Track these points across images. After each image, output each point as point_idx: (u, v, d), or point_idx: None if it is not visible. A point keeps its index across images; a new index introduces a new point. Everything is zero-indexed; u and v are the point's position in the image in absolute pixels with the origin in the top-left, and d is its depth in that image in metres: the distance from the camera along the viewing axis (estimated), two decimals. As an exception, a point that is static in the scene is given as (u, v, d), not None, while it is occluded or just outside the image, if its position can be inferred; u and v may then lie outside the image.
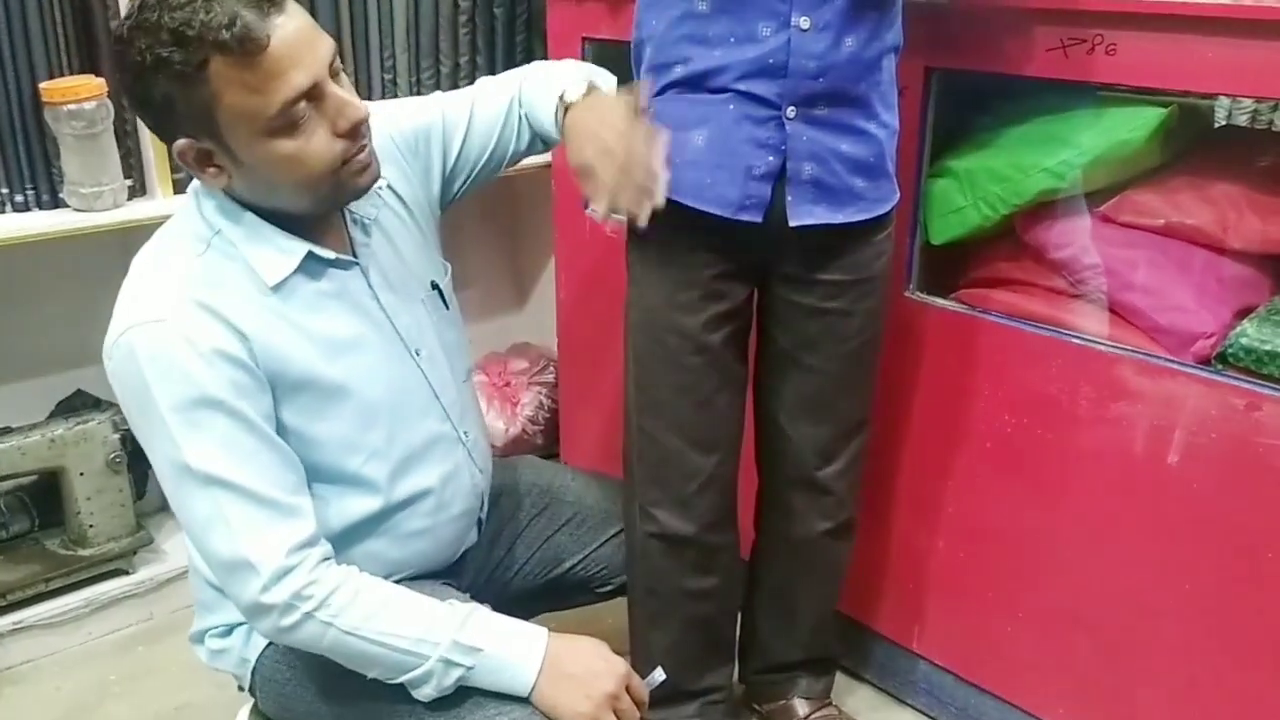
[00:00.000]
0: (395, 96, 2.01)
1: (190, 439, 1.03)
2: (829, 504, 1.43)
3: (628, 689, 1.12)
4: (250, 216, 1.09)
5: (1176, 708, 1.36)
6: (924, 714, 1.68)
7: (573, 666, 1.10)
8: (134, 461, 1.87)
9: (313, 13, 1.69)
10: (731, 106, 1.18)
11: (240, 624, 1.24)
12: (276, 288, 1.09)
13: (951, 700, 1.63)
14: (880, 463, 1.55)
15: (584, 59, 1.84)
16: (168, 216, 1.66)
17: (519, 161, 1.38)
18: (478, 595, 1.22)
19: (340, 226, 1.17)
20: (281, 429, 1.09)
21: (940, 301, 1.50)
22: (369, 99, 1.08)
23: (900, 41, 1.23)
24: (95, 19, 1.70)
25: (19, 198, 1.72)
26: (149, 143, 1.76)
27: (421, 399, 1.22)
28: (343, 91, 1.04)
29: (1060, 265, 1.42)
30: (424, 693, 1.09)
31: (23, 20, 1.64)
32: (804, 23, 1.13)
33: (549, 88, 1.27)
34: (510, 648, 1.10)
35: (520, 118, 1.32)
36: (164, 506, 2.08)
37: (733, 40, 1.15)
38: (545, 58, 1.98)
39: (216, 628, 1.26)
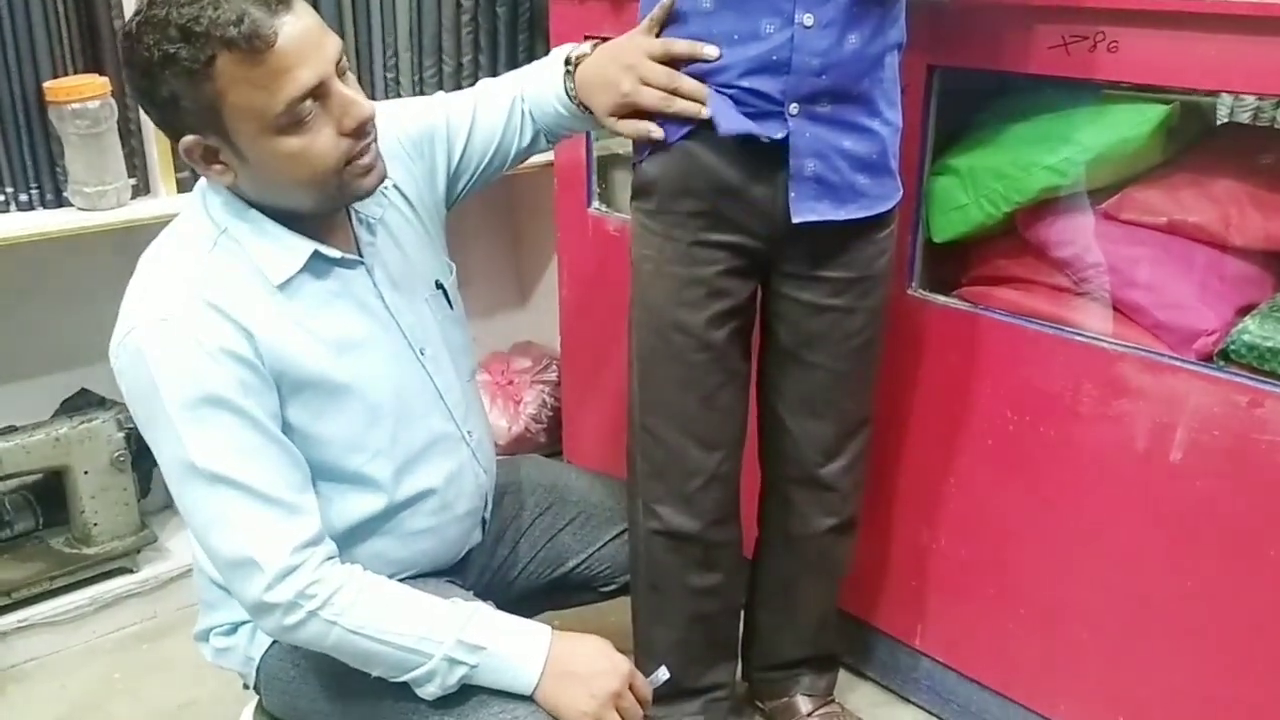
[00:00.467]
0: (398, 96, 2.02)
1: (196, 437, 1.03)
2: (832, 501, 1.43)
3: (631, 688, 1.13)
4: (256, 215, 1.09)
5: (1178, 705, 1.36)
6: (926, 711, 1.68)
7: (576, 665, 1.11)
8: (138, 460, 1.87)
9: (316, 12, 1.69)
10: (735, 103, 1.18)
11: (245, 622, 1.24)
12: (282, 286, 1.09)
13: (954, 697, 1.63)
14: (882, 460, 1.55)
15: (586, 58, 1.85)
16: (172, 215, 1.66)
17: (523, 161, 1.38)
18: (481, 594, 1.23)
19: (346, 225, 1.17)
20: (286, 427, 1.10)
21: (942, 299, 1.50)
22: (372, 99, 1.08)
23: (904, 38, 1.23)
24: (99, 18, 1.70)
25: (23, 197, 1.72)
26: (153, 142, 1.77)
27: (426, 398, 1.23)
28: (349, 90, 1.04)
29: (1062, 263, 1.42)
30: (428, 691, 1.09)
31: (27, 19, 1.64)
32: (808, 19, 1.13)
33: (549, 63, 1.29)
34: (514, 646, 1.10)
35: (523, 114, 1.33)
36: (168, 505, 2.08)
37: (736, 37, 1.16)
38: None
39: (221, 626, 1.26)
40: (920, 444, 1.56)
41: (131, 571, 1.90)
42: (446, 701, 1.10)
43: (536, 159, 2.13)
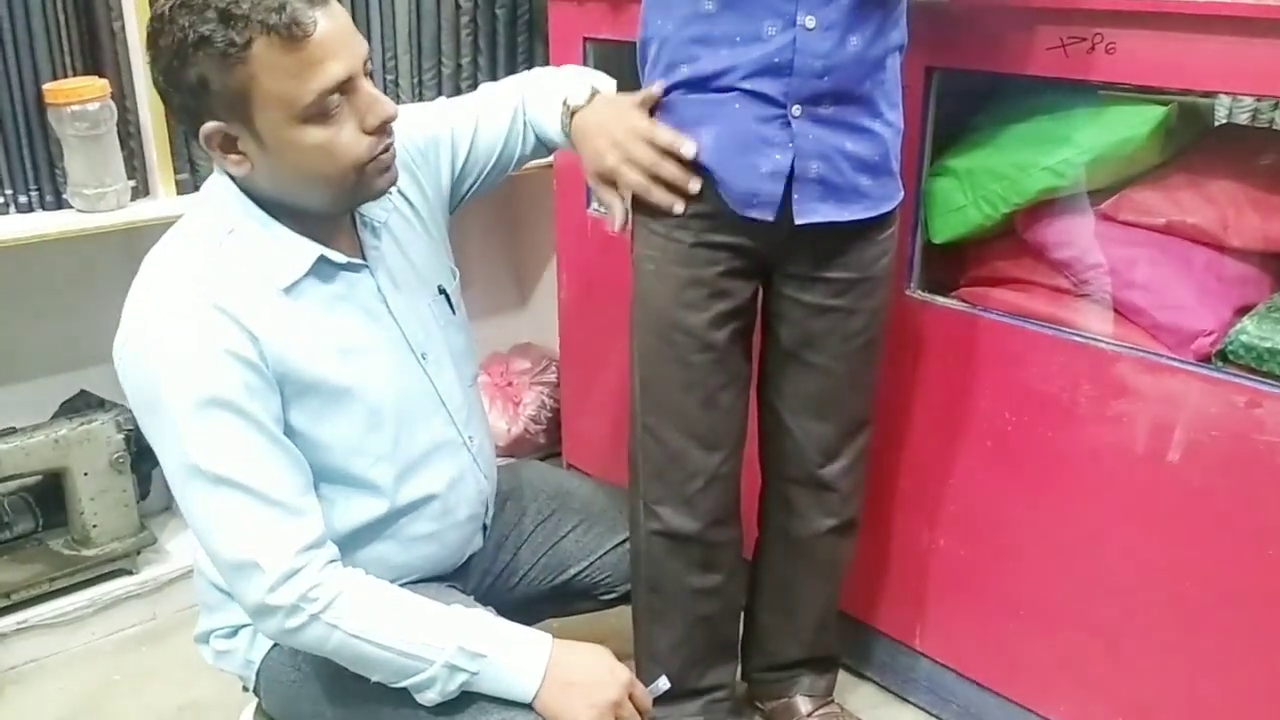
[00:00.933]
0: (397, 97, 2.02)
1: (200, 438, 1.03)
2: (832, 502, 1.43)
3: (630, 697, 1.13)
4: (264, 216, 1.10)
5: (1178, 705, 1.36)
6: (926, 712, 1.69)
7: (576, 674, 1.11)
8: (137, 462, 1.87)
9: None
10: (737, 106, 1.18)
11: (245, 625, 1.24)
12: (288, 289, 1.09)
13: (953, 698, 1.63)
14: (882, 461, 1.55)
15: (585, 60, 1.85)
16: (171, 217, 1.66)
17: (524, 165, 1.39)
18: (482, 599, 1.23)
19: (351, 229, 1.18)
20: (289, 431, 1.10)
21: (941, 300, 1.50)
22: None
23: (905, 41, 1.23)
24: (99, 20, 1.70)
25: (23, 199, 1.72)
26: (152, 144, 1.77)
27: (427, 403, 1.23)
28: (374, 90, 1.06)
29: (1061, 264, 1.42)
30: (427, 697, 1.09)
31: (26, 21, 1.64)
32: (809, 22, 1.14)
33: (552, 96, 1.31)
34: (514, 654, 1.10)
35: (525, 124, 1.35)
36: (167, 507, 2.08)
37: (739, 40, 1.16)
38: (547, 59, 1.99)
39: (221, 629, 1.26)
40: (920, 445, 1.56)
41: (131, 573, 1.90)
42: (446, 708, 1.10)
43: (536, 160, 2.14)
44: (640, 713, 1.14)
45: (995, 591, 1.52)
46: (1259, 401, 1.22)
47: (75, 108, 1.63)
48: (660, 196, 1.22)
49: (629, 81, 1.33)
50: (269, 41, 0.98)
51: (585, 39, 1.85)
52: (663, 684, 1.19)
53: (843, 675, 1.68)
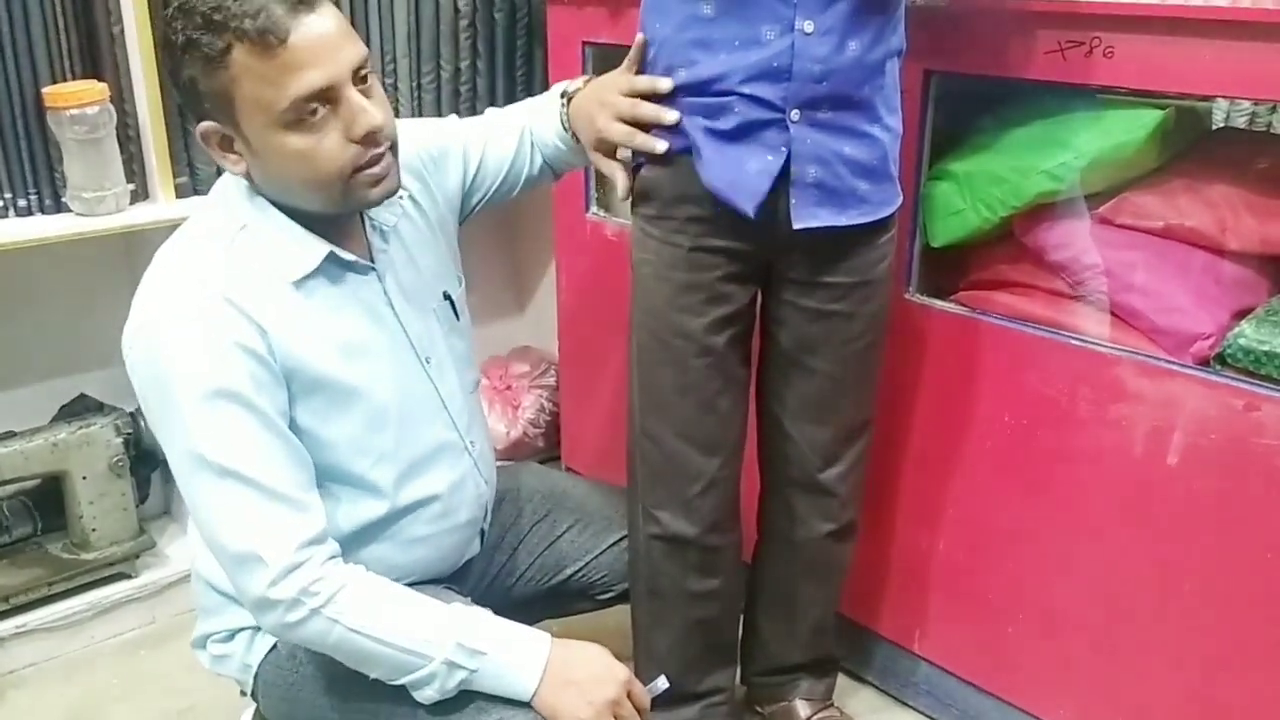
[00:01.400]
0: (396, 101, 2.02)
1: (206, 429, 1.04)
2: (831, 506, 1.43)
3: (629, 695, 1.13)
4: (276, 213, 1.11)
5: (1177, 708, 1.36)
6: (926, 716, 1.68)
7: (574, 672, 1.11)
8: (136, 465, 1.87)
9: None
10: (736, 110, 1.18)
11: (243, 629, 1.24)
12: (298, 284, 1.10)
13: (953, 702, 1.63)
14: (881, 464, 1.55)
15: (584, 63, 1.85)
16: (170, 220, 1.67)
17: (531, 189, 1.42)
18: (479, 601, 1.23)
19: (360, 231, 1.19)
20: (295, 429, 1.11)
21: (940, 304, 1.51)
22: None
23: (903, 45, 1.23)
24: (98, 23, 1.70)
25: (22, 202, 1.72)
26: (151, 147, 1.77)
27: (430, 406, 1.23)
28: (362, 99, 1.05)
29: (1059, 267, 1.42)
30: (426, 695, 1.09)
31: (25, 24, 1.64)
32: (808, 26, 1.14)
33: (549, 96, 1.35)
34: (513, 652, 1.10)
35: (531, 144, 1.38)
36: (167, 510, 2.08)
37: (737, 44, 1.16)
38: (546, 62, 1.99)
39: (218, 633, 1.27)
40: (919, 449, 1.56)
41: (130, 577, 1.90)
42: (445, 708, 1.10)
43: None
44: (639, 712, 1.14)
45: (995, 595, 1.52)
46: (1257, 405, 1.22)
47: (74, 111, 1.63)
48: (643, 141, 1.23)
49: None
50: (246, 48, 0.99)
51: (584, 42, 1.85)
52: (661, 684, 1.19)
53: (842, 679, 1.68)
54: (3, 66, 1.65)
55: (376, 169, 1.08)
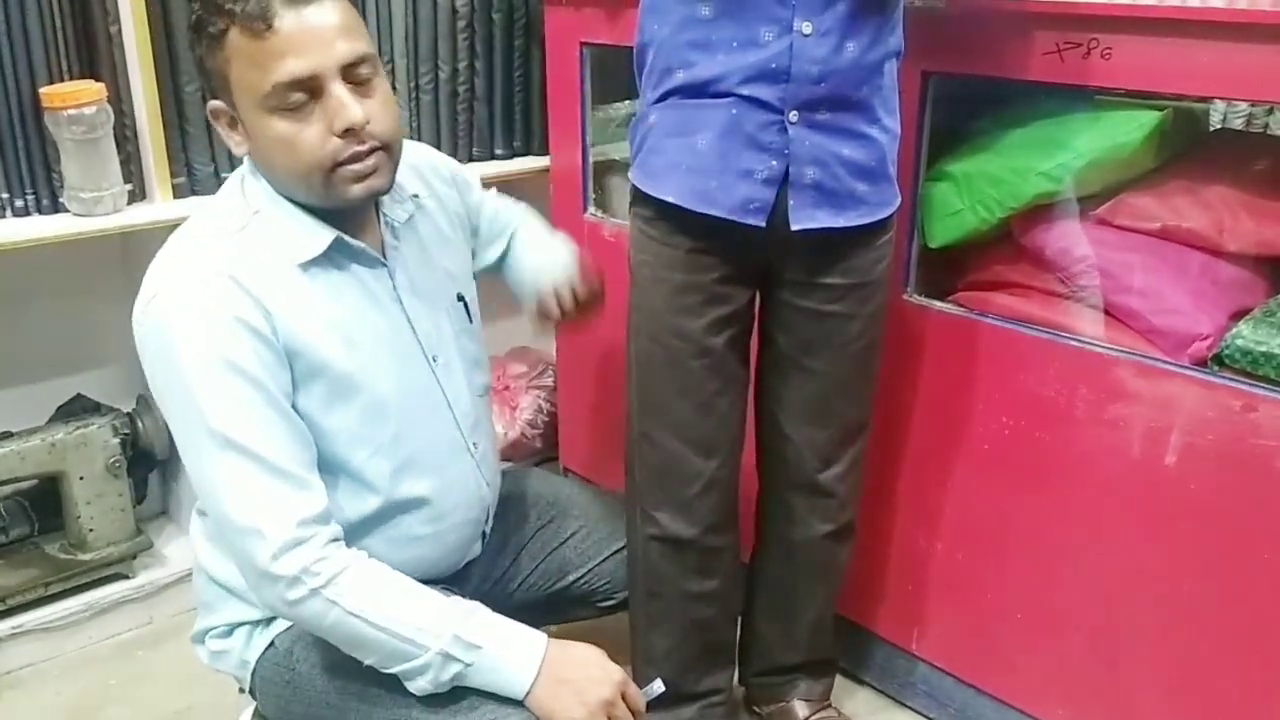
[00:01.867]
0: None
1: (213, 400, 1.06)
2: (829, 507, 1.43)
3: (624, 697, 1.13)
4: (286, 203, 1.13)
5: (1175, 708, 1.37)
6: (923, 716, 1.69)
7: (569, 672, 1.11)
8: (134, 466, 1.87)
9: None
10: (734, 111, 1.18)
11: (241, 624, 1.24)
12: (304, 268, 1.12)
13: (950, 702, 1.63)
14: (879, 465, 1.55)
15: (582, 64, 1.86)
16: (167, 221, 1.66)
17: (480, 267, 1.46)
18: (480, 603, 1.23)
19: (374, 227, 1.21)
20: (295, 414, 1.12)
21: (938, 304, 1.51)
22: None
23: (901, 46, 1.23)
24: (95, 23, 1.70)
25: (19, 203, 1.72)
26: (149, 147, 1.76)
27: (433, 404, 1.24)
28: (346, 95, 1.06)
29: (1057, 268, 1.43)
30: (419, 685, 1.09)
31: (22, 24, 1.64)
32: (806, 28, 1.14)
33: (562, 245, 1.46)
34: (510, 649, 1.10)
35: (509, 243, 1.47)
36: (164, 511, 2.08)
37: (735, 45, 1.16)
38: (543, 63, 1.99)
39: (217, 628, 1.27)
40: (917, 449, 1.56)
41: (127, 577, 1.90)
42: (439, 705, 1.10)
43: (533, 164, 2.15)
44: (634, 714, 1.14)
45: (992, 596, 1.52)
46: (1254, 405, 1.22)
47: (72, 111, 1.63)
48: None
49: (629, 87, 1.33)
50: (239, 30, 1.04)
51: (582, 44, 1.85)
52: (657, 687, 1.19)
53: (840, 679, 1.68)
54: (0, 66, 1.64)
55: (359, 166, 1.09)
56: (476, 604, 1.13)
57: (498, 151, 2.17)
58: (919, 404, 1.54)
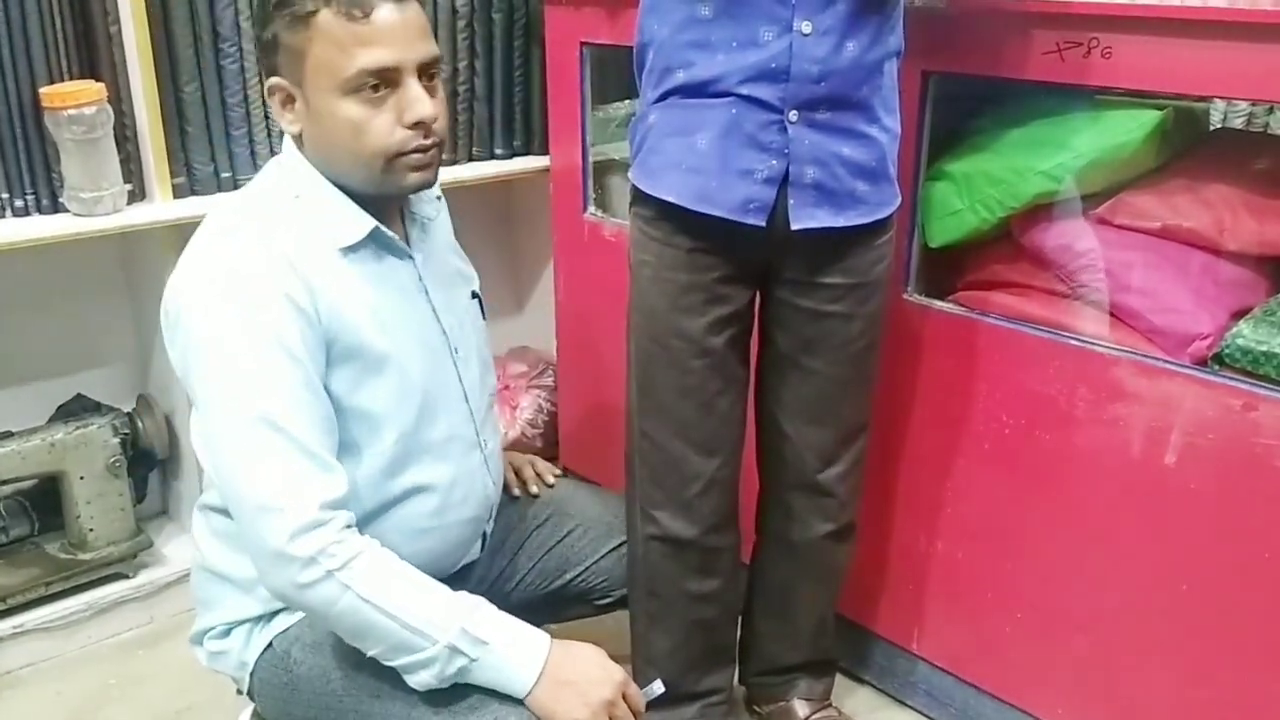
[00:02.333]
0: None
1: (256, 376, 1.07)
2: (830, 506, 1.43)
3: (624, 697, 1.13)
4: (327, 185, 1.15)
5: (1175, 708, 1.37)
6: (923, 715, 1.69)
7: (571, 673, 1.11)
8: (134, 466, 1.87)
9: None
10: (734, 110, 1.18)
11: (239, 623, 1.24)
12: (345, 252, 1.14)
13: (951, 701, 1.64)
14: (879, 465, 1.55)
15: (582, 64, 1.86)
16: (167, 221, 1.66)
17: None
18: (478, 603, 1.23)
19: (399, 222, 1.23)
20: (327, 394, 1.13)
21: (938, 304, 1.51)
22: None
23: (901, 46, 1.23)
24: (95, 23, 1.70)
25: (19, 203, 1.72)
26: (149, 147, 1.76)
27: (453, 395, 1.26)
28: (421, 90, 1.11)
29: (1057, 267, 1.43)
30: (421, 679, 1.09)
31: (22, 24, 1.64)
32: (806, 27, 1.14)
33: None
34: (515, 647, 1.10)
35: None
36: (164, 510, 2.08)
37: (735, 45, 1.16)
38: (544, 63, 1.99)
39: (215, 628, 1.26)
40: (917, 449, 1.56)
41: (128, 577, 1.90)
42: (440, 703, 1.10)
43: (533, 164, 2.15)
44: (634, 714, 1.14)
45: (993, 595, 1.52)
46: (1255, 405, 1.22)
47: (71, 111, 1.63)
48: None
49: (629, 86, 1.33)
50: (332, 13, 1.07)
51: (582, 43, 1.85)
52: (658, 687, 1.19)
53: (840, 678, 1.68)
54: (0, 67, 1.64)
55: (420, 157, 1.13)
56: (481, 599, 1.13)
57: (498, 151, 2.16)
58: (919, 404, 1.54)
